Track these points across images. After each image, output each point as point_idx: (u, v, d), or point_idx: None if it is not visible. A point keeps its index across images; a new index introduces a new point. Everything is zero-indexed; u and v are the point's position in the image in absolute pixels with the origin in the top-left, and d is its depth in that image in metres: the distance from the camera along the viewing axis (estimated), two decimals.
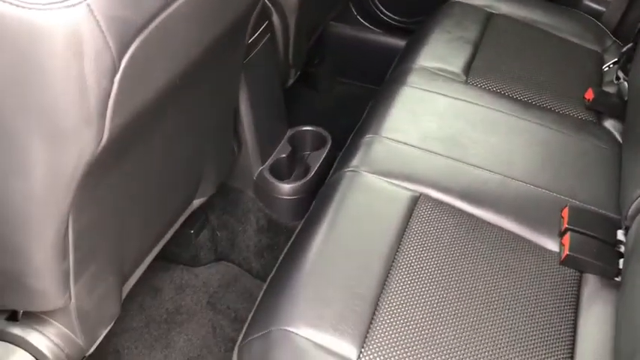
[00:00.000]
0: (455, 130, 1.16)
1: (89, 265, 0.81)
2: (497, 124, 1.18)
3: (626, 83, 1.28)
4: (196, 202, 1.15)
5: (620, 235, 0.99)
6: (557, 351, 0.85)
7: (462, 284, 0.90)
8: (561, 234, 0.99)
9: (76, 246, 0.73)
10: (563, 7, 1.56)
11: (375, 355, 0.80)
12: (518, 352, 0.84)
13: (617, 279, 0.95)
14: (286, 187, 1.29)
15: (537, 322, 0.88)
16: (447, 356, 0.81)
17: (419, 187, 1.04)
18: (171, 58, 0.66)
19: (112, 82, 0.57)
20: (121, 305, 0.96)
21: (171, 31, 0.62)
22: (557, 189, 1.06)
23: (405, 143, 1.12)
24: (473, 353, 0.82)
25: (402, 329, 0.83)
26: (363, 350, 0.80)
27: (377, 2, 1.80)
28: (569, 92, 1.29)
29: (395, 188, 1.04)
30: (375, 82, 1.54)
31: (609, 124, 1.25)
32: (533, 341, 0.86)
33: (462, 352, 0.82)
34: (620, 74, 1.30)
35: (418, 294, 0.88)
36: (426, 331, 0.83)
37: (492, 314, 0.87)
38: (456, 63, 1.32)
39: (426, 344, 0.82)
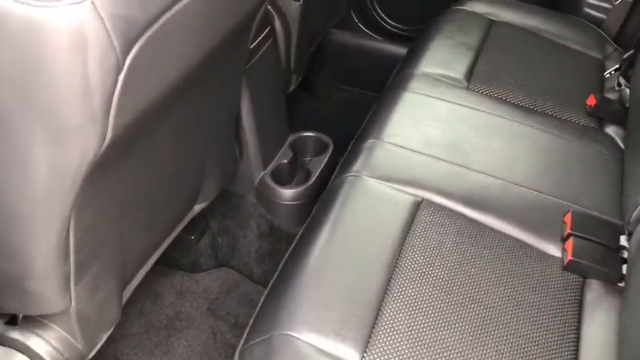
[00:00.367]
0: (457, 135, 1.15)
1: (90, 267, 0.80)
2: (499, 130, 1.17)
3: (627, 90, 1.28)
4: (197, 208, 1.15)
5: (623, 240, 0.99)
6: (561, 357, 0.85)
7: (464, 289, 0.90)
8: (564, 239, 0.99)
9: (77, 248, 0.73)
10: (564, 15, 1.57)
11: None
12: (522, 357, 0.84)
13: (620, 284, 0.94)
14: (287, 193, 1.29)
15: (540, 328, 0.87)
16: None
17: (421, 192, 1.04)
18: (176, 58, 0.66)
19: (116, 81, 0.57)
20: (121, 310, 0.95)
21: (175, 30, 0.62)
22: (559, 194, 1.06)
23: (407, 148, 1.12)
24: (476, 359, 0.82)
25: (405, 334, 0.82)
26: (365, 355, 0.80)
27: (378, 10, 1.81)
28: (570, 98, 1.29)
29: (397, 193, 1.04)
30: (375, 89, 1.54)
31: (611, 130, 1.25)
32: (536, 347, 0.85)
33: (465, 357, 0.82)
34: (622, 81, 1.31)
35: (420, 299, 0.87)
36: (429, 336, 0.83)
37: (495, 320, 0.87)
38: (457, 69, 1.32)
39: (428, 349, 0.81)
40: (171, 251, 1.32)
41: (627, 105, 1.25)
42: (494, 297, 0.90)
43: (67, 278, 0.75)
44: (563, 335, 0.87)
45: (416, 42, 1.50)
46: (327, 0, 1.64)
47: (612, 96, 1.32)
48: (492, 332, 0.85)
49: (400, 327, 0.83)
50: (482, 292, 0.90)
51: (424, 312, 0.86)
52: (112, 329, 0.94)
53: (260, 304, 0.93)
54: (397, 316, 0.85)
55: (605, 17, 1.55)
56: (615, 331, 0.87)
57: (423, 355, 0.80)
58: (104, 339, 0.93)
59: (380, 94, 1.37)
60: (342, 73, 1.92)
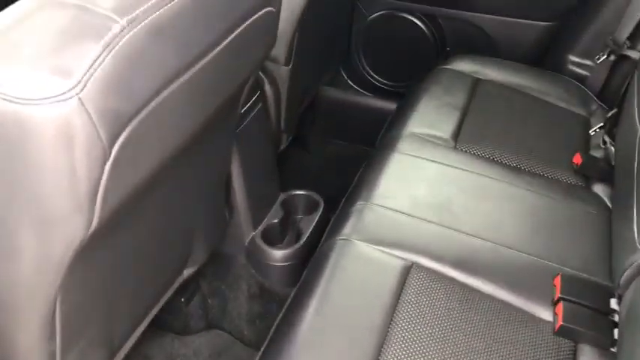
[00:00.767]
0: (445, 196, 1.16)
1: (77, 342, 0.79)
2: (487, 190, 1.19)
3: (612, 148, 1.30)
4: (187, 272, 1.15)
5: (613, 303, 0.98)
6: None
7: (455, 358, 0.89)
8: (554, 303, 0.98)
9: (63, 326, 0.72)
10: (548, 72, 1.60)
11: None
12: None
13: (612, 349, 0.94)
14: (278, 254, 1.29)
15: None
16: None
17: (411, 256, 1.04)
18: (163, 141, 0.67)
19: (102, 170, 0.57)
20: None
21: (163, 116, 0.63)
22: (548, 256, 1.06)
23: (396, 210, 1.13)
24: None
25: None
26: None
27: (367, 67, 1.84)
28: (557, 157, 1.30)
29: (387, 257, 1.04)
30: (366, 143, 1.56)
31: (598, 188, 1.26)
32: None
33: None
34: (607, 139, 1.33)
35: None
36: None
37: None
38: (444, 129, 1.34)
39: None
40: (161, 314, 1.30)
41: (613, 163, 1.27)
42: None
43: (52, 356, 0.75)
44: None
45: (403, 102, 1.52)
46: (317, 61, 1.67)
47: (598, 153, 1.33)
48: None
49: None
50: None
51: None
52: None
53: None
54: None
55: (588, 74, 1.59)
56: None
57: None
58: None
59: (370, 148, 1.39)
60: (332, 128, 1.94)
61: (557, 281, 1.00)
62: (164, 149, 0.67)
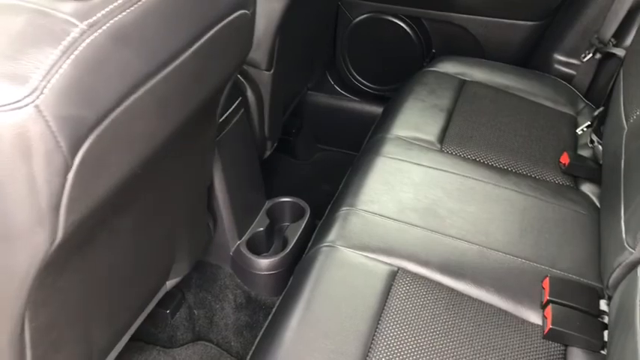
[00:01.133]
0: (431, 200, 1.14)
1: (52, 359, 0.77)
2: (473, 193, 1.17)
3: (600, 147, 1.28)
4: (170, 283, 1.12)
5: (603, 305, 0.97)
6: None
7: None
8: (543, 306, 0.97)
9: (34, 344, 0.69)
10: (535, 72, 1.59)
11: None
12: None
13: (602, 352, 0.92)
14: (264, 263, 1.27)
15: None
16: None
17: (396, 261, 1.02)
18: (131, 150, 0.64)
19: (64, 180, 0.55)
20: None
21: (129, 124, 0.61)
22: (536, 258, 1.04)
23: (382, 215, 1.11)
24: None
25: None
26: None
27: (352, 71, 1.83)
28: (545, 157, 1.29)
29: (372, 263, 1.02)
30: (353, 148, 1.55)
31: (586, 188, 1.24)
32: None
33: None
34: (594, 137, 1.31)
35: None
36: None
37: None
38: (430, 131, 1.33)
39: None
40: (146, 326, 1.28)
41: (601, 162, 1.25)
42: None
43: None
44: None
45: (388, 105, 1.51)
46: (300, 66, 1.66)
47: (586, 153, 1.32)
48: None
49: None
50: None
51: None
52: None
53: None
54: None
55: (575, 73, 1.57)
56: None
57: None
58: None
59: (355, 158, 1.37)
60: (319, 134, 1.93)
61: (546, 283, 0.98)
62: (132, 158, 0.65)
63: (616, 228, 0.98)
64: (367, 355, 0.87)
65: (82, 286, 0.74)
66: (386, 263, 1.02)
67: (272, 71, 1.30)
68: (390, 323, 0.92)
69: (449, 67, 1.55)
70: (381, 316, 0.93)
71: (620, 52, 1.43)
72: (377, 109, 1.71)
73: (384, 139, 1.32)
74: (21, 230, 0.56)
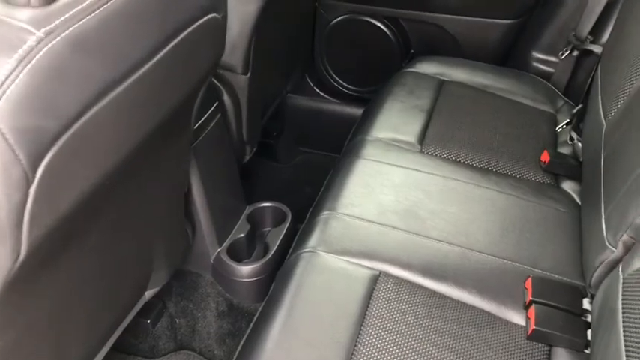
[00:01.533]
0: (412, 202, 1.13)
1: None
2: (454, 194, 1.16)
3: (579, 144, 1.28)
4: (149, 293, 1.10)
5: (586, 303, 0.96)
6: None
7: None
8: (526, 306, 0.96)
9: None
10: (513, 70, 1.59)
11: None
12: None
13: (586, 351, 0.91)
14: (244, 269, 1.25)
15: None
16: None
17: (378, 265, 1.01)
18: (97, 161, 0.62)
19: (26, 194, 0.53)
20: None
21: (94, 134, 0.59)
22: (518, 258, 1.04)
23: (362, 219, 1.10)
24: None
25: None
26: None
27: (332, 73, 1.81)
28: (525, 155, 1.28)
29: (354, 267, 1.01)
30: (335, 149, 1.53)
31: (567, 185, 1.24)
32: None
33: None
34: (574, 135, 1.31)
35: None
36: None
37: None
38: (410, 132, 1.32)
39: None
40: (127, 336, 1.25)
41: (581, 159, 1.25)
42: None
43: None
44: None
45: (368, 106, 1.50)
46: (278, 68, 1.64)
47: (566, 150, 1.32)
48: None
49: None
50: None
51: None
52: None
53: None
54: None
55: (553, 71, 1.57)
56: None
57: None
58: None
59: (335, 161, 1.35)
60: (300, 137, 1.91)
61: (528, 284, 0.98)
62: (98, 170, 0.63)
63: (597, 226, 0.97)
64: None
65: (51, 303, 0.72)
66: (367, 267, 1.00)
67: (248, 74, 1.28)
68: (372, 328, 0.91)
69: (427, 68, 1.54)
70: (363, 321, 0.92)
71: (597, 49, 1.43)
72: (357, 111, 1.70)
73: (364, 141, 1.30)
74: None
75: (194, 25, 0.76)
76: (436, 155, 1.26)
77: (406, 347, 0.88)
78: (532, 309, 0.94)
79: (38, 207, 0.55)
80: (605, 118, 1.13)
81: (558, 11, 1.58)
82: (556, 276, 1.01)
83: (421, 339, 0.90)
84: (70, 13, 0.56)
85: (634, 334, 0.73)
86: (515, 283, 0.99)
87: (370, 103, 1.51)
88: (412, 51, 1.75)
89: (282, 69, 1.68)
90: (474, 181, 1.19)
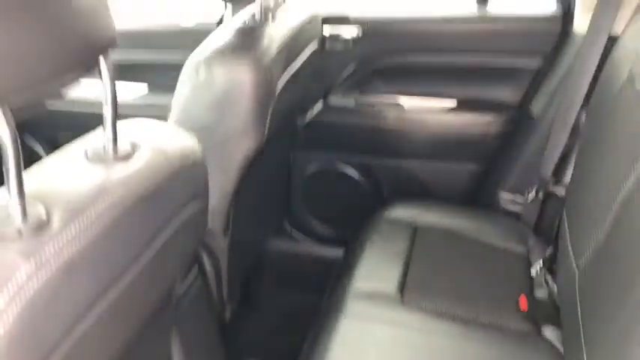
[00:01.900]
0: None
1: None
2: (437, 351, 1.16)
3: (555, 286, 1.31)
4: None
5: None
6: None
7: None
8: None
9: None
10: (483, 212, 1.64)
11: None
12: None
13: None
14: None
15: None
16: None
17: None
18: None
19: None
20: None
21: (79, 352, 0.59)
22: None
23: None
24: None
25: None
26: None
27: (310, 217, 1.86)
28: (504, 302, 1.30)
29: None
30: (317, 291, 1.54)
31: (548, 331, 1.24)
32: None
33: None
34: (549, 278, 1.34)
35: None
36: None
37: None
38: (390, 282, 1.33)
39: None
40: None
41: (558, 304, 1.27)
42: None
43: None
44: None
45: (346, 254, 1.52)
46: (257, 225, 1.67)
47: (543, 293, 1.34)
48: None
49: None
50: None
51: None
52: None
53: None
54: None
55: (521, 210, 1.63)
56: None
57: None
58: None
59: (320, 297, 1.35)
60: (281, 281, 1.91)
61: None
62: None
63: None
64: None
65: None
66: None
67: (228, 236, 1.31)
68: None
69: (401, 212, 1.59)
70: None
71: (560, 191, 1.49)
72: (336, 252, 1.72)
73: (345, 293, 1.31)
74: None
75: (178, 216, 0.79)
76: (418, 306, 1.27)
77: None
78: None
79: None
80: (576, 264, 1.16)
81: (522, 153, 1.67)
82: None
83: None
84: (61, 239, 0.58)
85: None
86: None
87: (348, 250, 1.54)
88: (385, 194, 1.81)
89: (261, 224, 1.72)
90: (457, 335, 1.19)
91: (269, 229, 1.80)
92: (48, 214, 0.59)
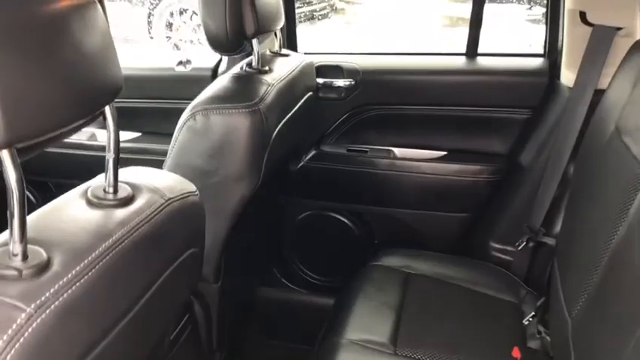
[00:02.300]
0: None
1: None
2: None
3: (548, 337, 1.30)
4: None
5: None
6: None
7: None
8: None
9: None
10: (474, 261, 1.64)
11: None
12: None
13: None
14: None
15: None
16: None
17: None
18: None
19: None
20: None
21: None
22: None
23: None
24: None
25: None
26: None
27: (299, 264, 1.85)
28: (497, 352, 1.29)
29: None
30: (306, 341, 1.51)
31: None
32: None
33: None
34: (541, 328, 1.33)
35: None
36: None
37: None
38: (382, 332, 1.32)
39: None
40: None
41: (551, 354, 1.26)
42: None
43: None
44: None
45: (338, 303, 1.51)
46: (248, 272, 1.66)
47: (535, 344, 1.33)
48: None
49: None
50: None
51: None
52: None
53: None
54: None
55: (512, 260, 1.63)
56: None
57: None
58: None
59: (309, 348, 1.33)
60: (270, 329, 1.88)
61: None
62: None
63: None
64: None
65: None
66: None
67: (219, 283, 1.29)
68: None
69: (393, 261, 1.58)
70: None
71: (550, 241, 1.51)
72: (326, 301, 1.71)
73: (337, 344, 1.30)
74: None
75: (175, 264, 0.78)
76: (411, 357, 1.25)
77: None
78: None
79: None
80: (569, 316, 1.16)
81: (511, 203, 1.69)
82: None
83: None
84: (61, 282, 0.58)
85: None
86: None
87: (340, 299, 1.53)
88: (376, 241, 1.81)
89: (252, 270, 1.71)
90: None
91: (259, 276, 1.78)
92: (49, 256, 0.59)
